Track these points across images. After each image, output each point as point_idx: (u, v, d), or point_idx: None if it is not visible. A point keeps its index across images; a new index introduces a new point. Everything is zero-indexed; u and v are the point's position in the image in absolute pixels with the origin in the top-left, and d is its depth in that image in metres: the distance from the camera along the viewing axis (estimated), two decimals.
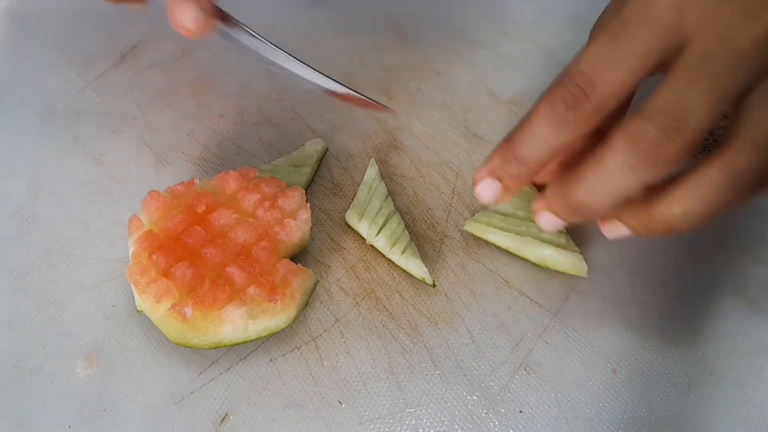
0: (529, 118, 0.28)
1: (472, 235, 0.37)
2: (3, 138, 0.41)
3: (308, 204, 0.35)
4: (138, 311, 0.33)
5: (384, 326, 0.34)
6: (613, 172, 0.26)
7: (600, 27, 0.29)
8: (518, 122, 0.29)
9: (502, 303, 0.35)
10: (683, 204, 0.27)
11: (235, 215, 0.34)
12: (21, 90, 0.43)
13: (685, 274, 0.36)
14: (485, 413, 0.32)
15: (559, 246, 0.35)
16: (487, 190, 0.30)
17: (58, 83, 0.44)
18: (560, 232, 0.36)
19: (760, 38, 0.26)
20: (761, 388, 0.33)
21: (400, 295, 0.35)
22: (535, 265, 0.36)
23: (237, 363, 0.33)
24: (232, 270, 0.32)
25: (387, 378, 0.33)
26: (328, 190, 0.39)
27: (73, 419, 0.31)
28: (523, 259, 0.36)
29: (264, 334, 0.32)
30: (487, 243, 0.37)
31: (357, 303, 0.35)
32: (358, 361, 0.33)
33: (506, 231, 0.36)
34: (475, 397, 0.32)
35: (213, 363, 0.33)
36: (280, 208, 0.35)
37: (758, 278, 0.36)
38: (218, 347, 0.32)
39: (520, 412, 0.32)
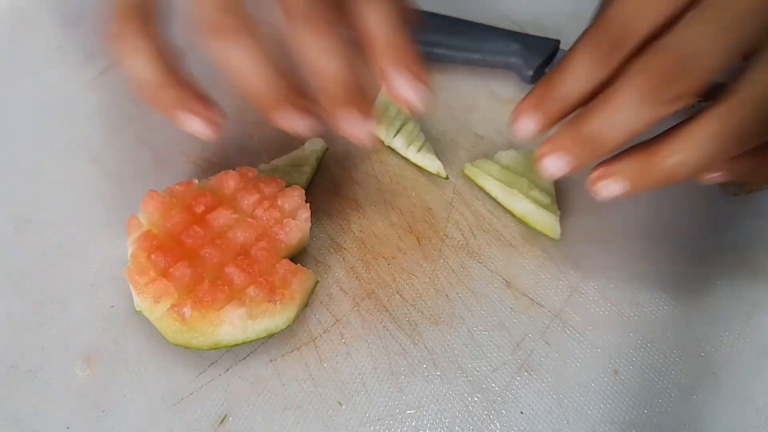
0: (566, 66, 0.29)
1: (471, 233, 0.37)
2: (2, 137, 0.41)
3: (308, 204, 0.35)
4: (137, 311, 0.33)
5: (384, 327, 0.34)
6: (626, 105, 0.27)
7: None
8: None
9: (502, 303, 0.35)
10: (679, 154, 0.28)
11: (234, 215, 0.34)
12: (20, 89, 0.43)
13: (686, 275, 0.36)
14: (486, 414, 0.32)
15: (542, 205, 0.37)
16: (526, 124, 0.30)
17: (57, 82, 0.44)
18: (548, 193, 0.37)
19: None
20: (763, 389, 0.33)
21: (401, 295, 0.35)
22: (532, 261, 0.36)
23: (236, 364, 0.33)
24: (231, 270, 0.32)
25: (387, 379, 0.33)
26: (328, 190, 0.39)
27: (71, 420, 0.31)
28: (507, 211, 0.38)
29: (263, 335, 0.32)
30: (488, 244, 0.37)
31: (357, 303, 0.35)
32: (358, 361, 0.33)
33: (499, 181, 0.38)
34: (476, 398, 0.32)
35: (212, 364, 0.33)
36: (279, 207, 0.34)
37: (759, 278, 0.36)
38: (217, 348, 0.32)
39: (521, 413, 0.32)
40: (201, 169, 0.39)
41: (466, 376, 0.33)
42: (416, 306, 0.35)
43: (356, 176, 0.40)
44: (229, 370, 0.33)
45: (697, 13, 0.27)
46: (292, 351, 0.33)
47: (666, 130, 0.28)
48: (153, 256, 0.32)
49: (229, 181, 0.35)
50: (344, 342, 0.34)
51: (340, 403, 0.32)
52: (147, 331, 0.34)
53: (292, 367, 0.33)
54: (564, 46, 0.43)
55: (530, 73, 0.43)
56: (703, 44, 0.26)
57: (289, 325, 0.33)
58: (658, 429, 0.32)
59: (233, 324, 0.31)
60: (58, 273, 0.36)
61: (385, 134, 0.40)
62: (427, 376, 0.33)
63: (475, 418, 0.32)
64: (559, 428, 0.31)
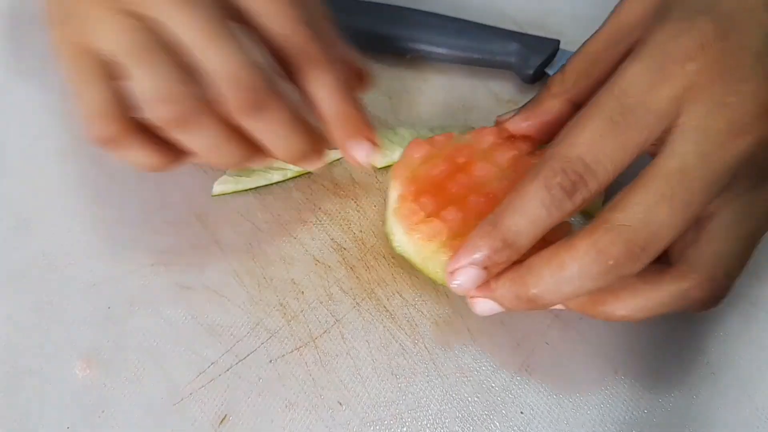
0: (519, 200, 0.28)
1: None
2: (1, 137, 0.41)
3: None
4: (397, 252, 0.34)
5: (384, 327, 0.34)
6: (572, 276, 0.27)
7: (595, 107, 0.28)
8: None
9: None
10: (628, 309, 0.28)
11: (495, 168, 0.35)
12: (20, 89, 0.43)
13: None
14: (486, 414, 0.32)
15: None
16: (470, 279, 0.29)
17: (57, 82, 0.44)
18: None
19: (741, 156, 0.26)
20: (763, 389, 0.33)
21: (401, 295, 0.35)
22: None
23: (236, 364, 0.33)
24: None
25: (387, 379, 0.33)
26: (328, 190, 0.39)
27: (71, 420, 0.31)
28: None
29: None
30: None
31: (357, 303, 0.35)
32: (359, 362, 0.33)
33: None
34: (476, 398, 0.32)
35: (212, 364, 0.33)
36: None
37: (759, 278, 0.36)
38: None
39: (521, 413, 0.32)
40: (202, 170, 0.39)
41: (466, 377, 0.33)
42: (416, 306, 0.35)
43: (356, 176, 0.40)
44: (229, 370, 0.33)
45: (655, 181, 0.26)
46: (292, 351, 0.33)
47: (540, 254, 0.28)
48: (422, 199, 0.33)
49: (487, 136, 0.36)
50: (344, 342, 0.34)
51: (340, 403, 0.32)
52: (147, 331, 0.34)
53: (293, 367, 0.33)
54: (564, 46, 0.43)
55: (530, 72, 0.43)
56: (660, 225, 0.26)
57: None
58: (658, 429, 0.32)
59: None
60: (58, 273, 0.36)
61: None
62: (427, 377, 0.33)
63: (475, 418, 0.32)
64: (559, 428, 0.31)
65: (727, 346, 0.34)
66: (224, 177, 0.38)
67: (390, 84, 0.44)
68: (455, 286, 0.29)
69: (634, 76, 0.27)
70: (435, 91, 0.44)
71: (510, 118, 0.36)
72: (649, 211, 0.26)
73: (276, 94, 0.29)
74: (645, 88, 0.26)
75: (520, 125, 0.35)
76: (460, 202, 0.34)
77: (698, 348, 0.34)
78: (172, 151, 0.31)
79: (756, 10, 0.27)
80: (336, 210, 0.38)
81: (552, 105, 0.34)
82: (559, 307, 0.31)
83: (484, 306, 0.30)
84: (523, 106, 0.36)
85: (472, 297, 0.31)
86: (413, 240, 0.33)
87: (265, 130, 0.30)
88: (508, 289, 0.29)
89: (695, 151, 0.26)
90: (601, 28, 0.33)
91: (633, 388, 0.33)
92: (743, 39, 0.27)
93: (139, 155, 0.30)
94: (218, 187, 0.38)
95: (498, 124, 0.36)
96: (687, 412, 0.32)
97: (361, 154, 0.33)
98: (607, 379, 0.33)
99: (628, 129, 0.26)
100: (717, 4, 0.27)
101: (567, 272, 0.27)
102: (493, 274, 0.29)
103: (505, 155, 0.35)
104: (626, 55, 0.31)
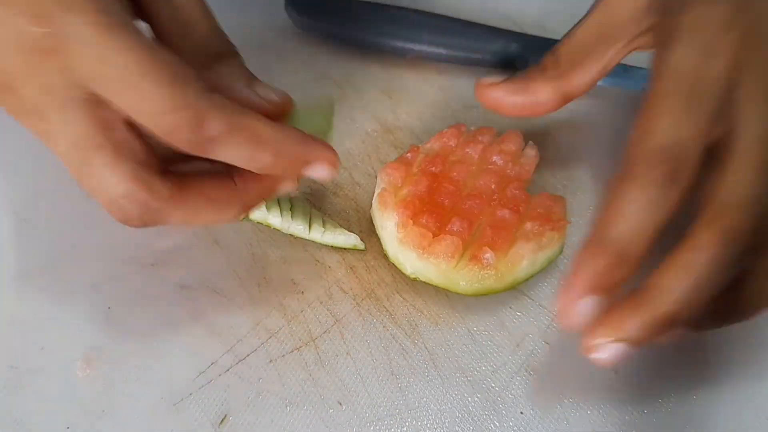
0: (620, 207, 0.25)
1: None
2: (2, 137, 0.41)
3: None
4: (412, 279, 0.34)
5: (384, 327, 0.34)
6: (705, 273, 0.25)
7: (657, 90, 0.27)
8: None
9: (503, 303, 0.35)
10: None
11: (472, 167, 0.35)
12: None
13: None
14: (486, 414, 0.32)
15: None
16: (590, 308, 0.25)
17: None
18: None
19: None
20: (762, 388, 0.33)
21: (401, 295, 0.35)
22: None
23: (236, 364, 0.33)
24: (504, 213, 0.34)
25: (387, 379, 0.33)
26: (327, 190, 0.39)
27: (71, 420, 0.31)
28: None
29: (545, 264, 0.34)
30: None
31: (357, 303, 0.35)
32: (358, 362, 0.33)
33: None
34: (476, 398, 0.32)
35: (212, 364, 0.33)
36: (505, 151, 0.36)
37: None
38: (513, 287, 0.33)
39: (521, 413, 0.32)
40: None
41: (466, 377, 0.33)
42: (416, 306, 0.35)
43: (356, 176, 0.40)
44: (229, 370, 0.33)
45: (742, 157, 0.25)
46: (292, 351, 0.33)
47: (656, 271, 0.25)
48: (423, 220, 0.33)
49: (451, 139, 0.37)
50: (344, 342, 0.34)
51: (340, 403, 0.32)
52: (147, 331, 0.34)
53: (293, 367, 0.33)
54: None
55: None
56: (759, 194, 0.25)
57: (561, 251, 0.35)
58: (657, 429, 0.32)
59: (528, 259, 0.33)
60: (58, 273, 0.36)
61: (280, 221, 0.35)
62: (427, 376, 0.33)
63: (474, 418, 0.32)
64: (559, 428, 0.31)
65: (727, 346, 0.34)
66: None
67: (390, 84, 0.44)
68: (575, 320, 0.25)
69: (684, 57, 0.27)
70: (435, 91, 0.44)
71: (494, 84, 0.35)
72: (753, 185, 0.25)
73: (214, 123, 0.25)
74: (700, 64, 0.26)
75: (505, 99, 0.34)
76: (458, 210, 0.34)
77: (698, 348, 0.34)
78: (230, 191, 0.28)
79: None
80: (336, 210, 0.38)
81: (544, 90, 0.34)
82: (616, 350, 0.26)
83: (612, 350, 0.25)
84: (509, 78, 0.35)
85: (591, 345, 0.25)
86: (432, 263, 0.33)
87: (231, 161, 0.27)
88: (638, 319, 0.25)
89: (765, 118, 0.26)
90: (589, 15, 0.33)
91: (633, 388, 0.33)
92: (761, 8, 0.27)
93: (200, 208, 0.27)
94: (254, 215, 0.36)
95: (480, 87, 0.35)
96: (687, 412, 0.32)
97: (320, 173, 0.29)
98: (607, 379, 0.33)
99: (700, 105, 0.26)
100: None
101: (696, 270, 0.25)
102: (614, 297, 0.25)
103: (474, 151, 0.36)
104: (621, 50, 0.32)
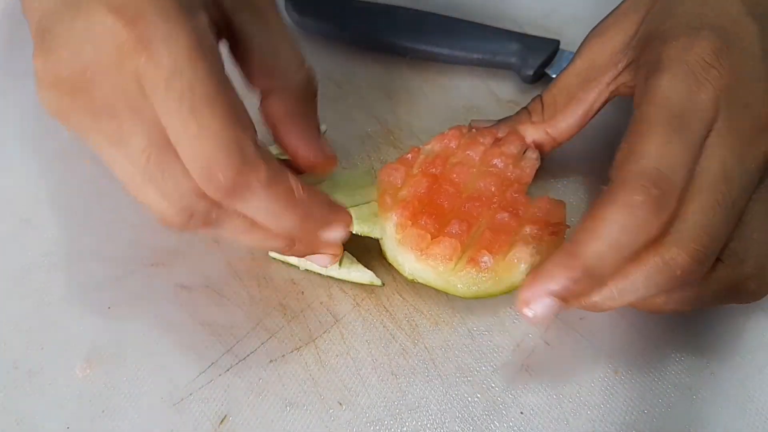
0: (600, 226, 0.26)
1: None
2: (2, 137, 0.41)
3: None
4: (410, 281, 0.34)
5: (384, 327, 0.34)
6: (637, 286, 0.27)
7: (645, 117, 0.28)
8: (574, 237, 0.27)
9: (503, 303, 0.35)
10: (679, 302, 0.30)
11: (473, 169, 0.35)
12: (20, 89, 0.43)
13: None
14: (486, 414, 0.32)
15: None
16: (546, 310, 0.27)
17: None
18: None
19: (766, 153, 0.28)
20: (762, 388, 0.33)
21: (400, 295, 0.35)
22: None
23: (236, 364, 0.33)
24: (504, 216, 0.33)
25: (387, 379, 0.33)
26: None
27: (71, 420, 0.31)
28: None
29: None
30: None
31: (357, 303, 0.35)
32: (358, 362, 0.33)
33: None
34: (476, 398, 0.32)
35: (212, 364, 0.33)
36: (507, 154, 0.36)
37: None
38: (510, 291, 0.33)
39: (521, 413, 0.32)
40: None
41: (466, 376, 0.33)
42: (416, 306, 0.35)
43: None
44: (229, 370, 0.33)
45: (706, 191, 0.26)
46: (292, 351, 0.33)
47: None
48: (422, 221, 0.33)
49: (452, 141, 0.37)
50: (344, 342, 0.34)
51: (341, 404, 0.32)
52: (147, 331, 0.34)
53: (293, 367, 0.33)
54: (564, 46, 0.43)
55: (530, 72, 0.43)
56: (716, 232, 0.27)
57: None
58: (657, 429, 0.32)
59: (527, 263, 0.32)
60: (59, 273, 0.36)
61: (297, 260, 0.35)
62: (427, 377, 0.33)
63: (474, 418, 0.32)
64: (559, 428, 0.31)
65: (727, 346, 0.34)
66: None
67: (390, 84, 0.44)
68: (529, 315, 0.27)
69: (671, 86, 0.27)
70: (435, 92, 0.44)
71: (486, 128, 0.37)
72: (707, 218, 0.26)
73: (256, 173, 0.25)
74: (685, 94, 0.27)
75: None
76: (458, 212, 0.34)
77: (698, 348, 0.34)
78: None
79: (739, 19, 0.29)
80: None
81: (527, 129, 0.36)
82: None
83: (541, 308, 0.28)
84: (500, 121, 0.38)
85: (523, 301, 0.29)
86: (430, 265, 0.33)
87: (255, 213, 0.27)
88: (562, 272, 0.28)
89: (731, 154, 0.27)
90: (571, 62, 0.35)
91: (633, 388, 0.33)
92: (742, 44, 0.28)
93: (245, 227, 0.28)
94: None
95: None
96: (686, 412, 0.32)
97: (336, 235, 0.30)
98: (607, 379, 0.33)
99: (686, 131, 0.27)
100: (702, 20, 0.29)
101: (631, 282, 0.27)
102: (570, 306, 0.27)
103: (475, 153, 0.36)
104: (603, 92, 0.34)
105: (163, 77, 0.23)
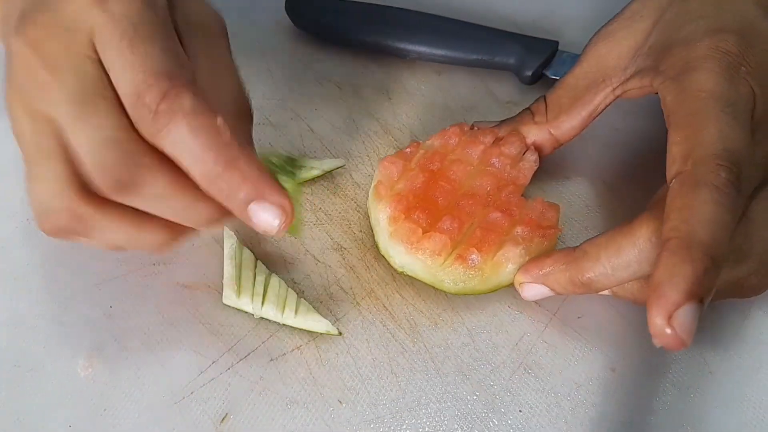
0: (700, 212, 0.25)
1: None
2: (2, 137, 0.41)
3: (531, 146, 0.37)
4: (399, 272, 0.34)
5: (384, 326, 0.34)
6: (630, 261, 0.28)
7: (700, 98, 0.28)
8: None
9: (501, 302, 0.35)
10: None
11: (470, 167, 0.36)
12: None
13: None
14: (485, 413, 0.32)
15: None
16: (693, 315, 0.24)
17: None
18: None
19: None
20: (760, 387, 0.33)
21: (400, 295, 0.35)
22: None
23: (237, 363, 0.33)
24: (497, 215, 0.34)
25: (387, 378, 0.33)
26: (328, 190, 0.39)
27: (73, 419, 0.31)
28: None
29: None
30: None
31: (357, 303, 0.35)
32: (358, 361, 0.33)
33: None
34: (474, 397, 0.32)
35: (213, 363, 0.33)
36: (506, 154, 0.36)
37: None
38: (497, 289, 0.34)
39: (520, 411, 0.32)
40: None
41: (465, 375, 0.33)
42: (416, 306, 0.35)
43: (356, 176, 0.40)
44: (230, 368, 0.33)
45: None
46: (292, 350, 0.33)
47: (595, 239, 0.30)
48: (415, 215, 0.34)
49: (452, 137, 0.37)
50: (344, 341, 0.34)
51: (341, 402, 0.32)
52: (148, 330, 0.34)
53: (293, 366, 0.33)
54: (563, 47, 0.44)
55: (529, 73, 0.43)
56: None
57: None
58: (655, 428, 0.32)
59: (515, 263, 0.33)
60: (60, 272, 0.36)
61: (251, 307, 0.33)
62: (427, 375, 0.33)
63: (473, 417, 0.32)
64: (557, 426, 0.32)
65: (725, 345, 0.34)
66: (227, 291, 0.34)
67: (390, 85, 0.44)
68: (676, 334, 0.24)
69: (712, 82, 0.28)
70: (435, 93, 0.44)
71: (485, 129, 0.37)
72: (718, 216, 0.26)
73: (149, 168, 0.25)
74: (728, 86, 0.28)
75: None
76: (451, 209, 0.34)
77: (696, 347, 0.34)
78: (160, 225, 0.27)
79: (756, 22, 0.30)
80: (336, 210, 0.38)
81: (530, 130, 0.37)
82: (606, 293, 0.32)
83: (535, 291, 0.32)
84: (503, 121, 0.38)
85: (521, 283, 0.32)
86: (419, 259, 0.33)
87: (149, 206, 0.26)
88: (562, 273, 0.30)
89: (754, 148, 0.28)
90: (577, 64, 0.36)
91: (631, 387, 0.33)
92: (763, 45, 0.29)
93: (119, 232, 0.27)
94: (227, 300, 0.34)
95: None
96: (685, 411, 0.32)
97: (269, 218, 0.26)
98: (605, 377, 0.33)
99: (741, 116, 0.27)
100: (722, 24, 0.29)
101: (624, 257, 0.27)
102: (706, 305, 0.25)
103: (474, 151, 0.36)
104: (609, 95, 0.34)
105: (109, 20, 0.25)
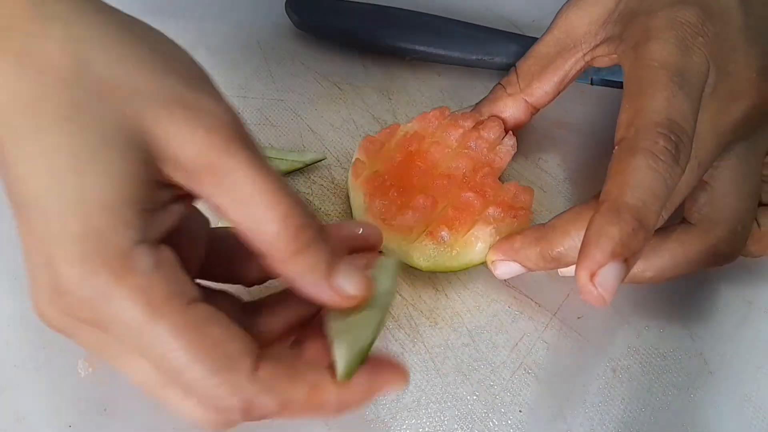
0: (633, 176, 0.25)
1: None
2: (2, 137, 0.41)
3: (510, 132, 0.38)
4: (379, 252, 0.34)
5: (384, 326, 0.34)
6: (602, 233, 0.27)
7: (654, 67, 0.28)
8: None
9: (501, 302, 0.35)
10: (655, 269, 0.30)
11: (447, 149, 0.36)
12: None
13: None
14: (485, 413, 0.32)
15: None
16: (614, 275, 0.24)
17: None
18: None
19: (740, 118, 0.29)
20: (761, 387, 0.33)
21: (400, 295, 0.35)
22: None
23: None
24: (469, 195, 0.35)
25: None
26: (328, 190, 0.39)
27: (73, 419, 0.31)
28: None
29: None
30: None
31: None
32: None
33: None
34: (474, 397, 0.32)
35: None
36: (485, 138, 0.37)
37: (755, 277, 0.36)
38: (467, 268, 0.34)
39: (520, 411, 0.32)
40: None
41: (465, 375, 0.33)
42: (416, 306, 0.35)
43: None
44: None
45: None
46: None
47: (564, 214, 0.30)
48: (390, 194, 0.34)
49: (432, 121, 0.38)
50: None
51: None
52: None
53: None
54: None
55: None
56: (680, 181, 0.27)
57: None
58: (655, 428, 0.32)
59: (485, 242, 0.33)
60: None
61: None
62: (427, 375, 0.33)
63: (473, 417, 0.32)
64: (557, 426, 0.32)
65: (725, 345, 0.34)
66: None
67: (390, 85, 0.44)
68: (599, 291, 0.25)
69: (665, 51, 0.28)
70: (434, 93, 0.44)
71: (466, 114, 0.38)
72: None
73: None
74: (680, 56, 0.28)
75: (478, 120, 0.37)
76: (426, 188, 0.35)
77: (696, 347, 0.34)
78: None
79: None
80: (336, 210, 0.38)
81: (506, 103, 0.37)
82: (571, 271, 0.32)
83: (507, 269, 0.32)
84: (477, 103, 0.39)
85: (493, 261, 0.33)
86: (392, 236, 0.34)
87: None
88: (533, 248, 0.30)
89: (708, 118, 0.28)
90: (547, 32, 0.36)
91: (631, 387, 0.33)
92: (723, 17, 0.29)
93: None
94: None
95: None
96: (685, 411, 0.32)
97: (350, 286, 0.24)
98: (605, 377, 0.33)
99: (688, 86, 0.27)
100: None
101: (594, 230, 0.26)
102: (632, 267, 0.25)
103: (453, 134, 0.37)
104: (579, 61, 0.35)
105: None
